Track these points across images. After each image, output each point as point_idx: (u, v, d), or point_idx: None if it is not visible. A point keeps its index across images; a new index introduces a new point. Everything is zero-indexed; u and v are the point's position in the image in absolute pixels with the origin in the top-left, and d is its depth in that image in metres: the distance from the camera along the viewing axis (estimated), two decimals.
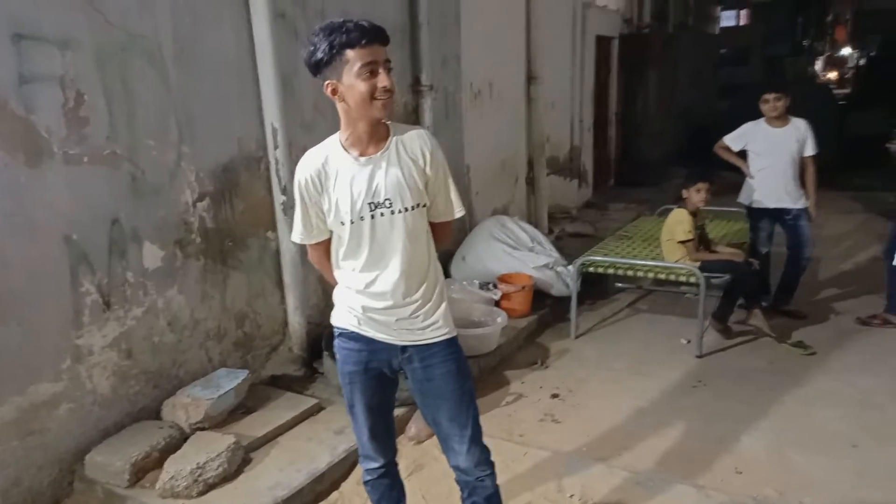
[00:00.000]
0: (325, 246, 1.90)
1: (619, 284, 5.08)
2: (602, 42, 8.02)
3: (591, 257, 4.32)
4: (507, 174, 5.80)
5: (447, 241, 2.00)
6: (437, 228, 1.90)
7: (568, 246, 5.52)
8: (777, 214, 4.35)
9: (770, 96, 4.19)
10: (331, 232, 1.85)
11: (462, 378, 1.92)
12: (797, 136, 4.23)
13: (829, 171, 6.03)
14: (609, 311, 4.69)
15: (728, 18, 13.80)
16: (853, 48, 23.84)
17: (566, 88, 7.12)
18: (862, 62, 22.55)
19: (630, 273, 4.26)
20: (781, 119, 4.23)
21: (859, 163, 8.90)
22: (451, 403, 1.91)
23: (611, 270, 4.29)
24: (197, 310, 3.04)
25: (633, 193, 8.07)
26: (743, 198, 4.49)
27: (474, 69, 5.04)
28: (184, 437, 2.71)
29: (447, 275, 4.54)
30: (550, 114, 6.46)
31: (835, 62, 28.95)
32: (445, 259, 4.45)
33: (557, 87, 6.77)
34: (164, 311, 2.90)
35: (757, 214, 4.43)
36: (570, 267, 4.35)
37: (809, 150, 4.25)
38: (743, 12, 14.89)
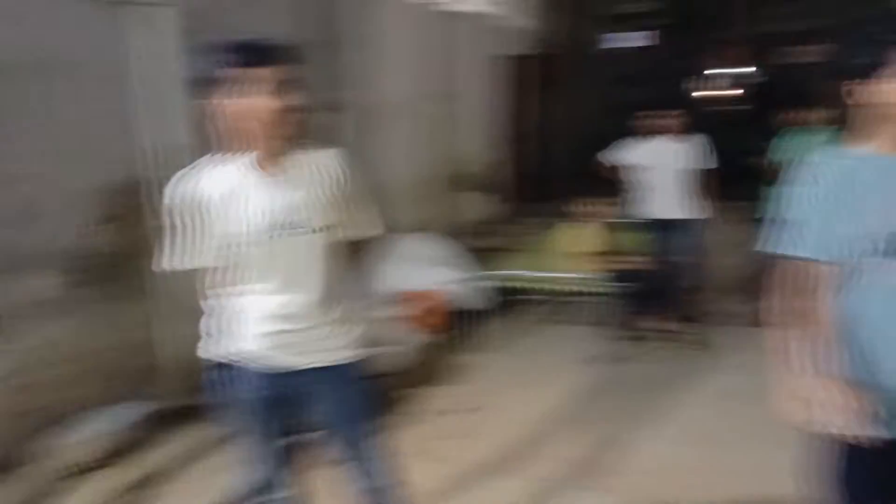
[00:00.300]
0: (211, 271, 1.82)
1: (535, 297, 5.19)
2: (518, 60, 8.27)
3: (507, 271, 4.40)
4: (424, 191, 5.85)
5: (361, 259, 1.99)
6: (351, 247, 1.89)
7: (484, 260, 5.59)
8: (675, 225, 4.58)
9: (664, 113, 4.42)
10: (216, 256, 1.76)
11: (370, 399, 1.91)
12: (692, 151, 4.47)
13: (730, 183, 6.37)
14: (524, 324, 4.79)
15: (635, 39, 14.38)
16: (748, 68, 25.41)
17: (484, 105, 7.27)
18: (756, 82, 24.08)
19: (544, 285, 4.36)
20: (678, 134, 4.46)
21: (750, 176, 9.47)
22: (358, 425, 1.89)
23: (526, 283, 4.38)
24: (84, 341, 2.88)
25: (549, 207, 8.25)
26: (640, 210, 4.70)
27: (391, 86, 5.06)
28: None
29: (359, 293, 4.51)
30: (468, 130, 6.57)
31: (730, 81, 30.68)
32: (359, 277, 4.43)
33: (475, 103, 6.91)
34: (47, 344, 2.73)
35: (655, 226, 4.64)
36: (486, 281, 4.42)
37: (707, 164, 4.50)
38: (649, 34, 15.61)
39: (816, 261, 1.56)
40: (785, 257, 1.60)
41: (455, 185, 6.20)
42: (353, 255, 1.91)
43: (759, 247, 1.66)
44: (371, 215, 1.90)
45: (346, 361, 1.85)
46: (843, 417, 1.48)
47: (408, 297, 4.33)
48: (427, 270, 4.58)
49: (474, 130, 7.18)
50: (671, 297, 4.71)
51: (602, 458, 3.01)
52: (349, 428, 1.89)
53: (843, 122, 1.64)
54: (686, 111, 4.51)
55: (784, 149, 4.55)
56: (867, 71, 1.47)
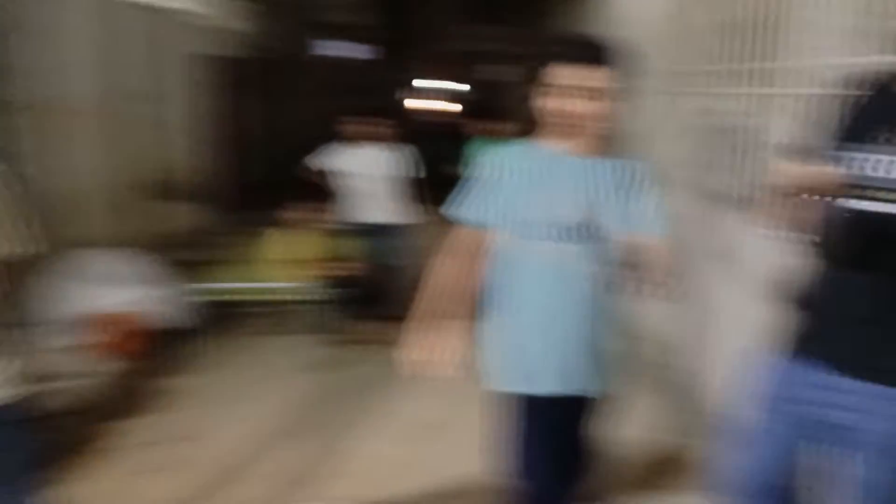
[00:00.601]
0: None
1: (249, 309, 4.98)
2: (233, 63, 7.88)
3: (219, 284, 4.17)
4: (121, 200, 5.26)
5: (24, 281, 1.70)
6: (9, 268, 1.60)
7: (193, 274, 5.22)
8: (384, 230, 4.77)
9: (369, 121, 4.58)
10: None
11: (35, 447, 1.64)
12: (399, 159, 4.69)
13: (436, 190, 6.81)
14: (239, 339, 4.57)
15: (345, 49, 14.69)
16: (454, 83, 27.60)
17: (193, 109, 6.77)
18: (461, 96, 26.27)
19: (259, 296, 4.23)
20: (386, 142, 4.65)
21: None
22: (17, 480, 1.61)
23: (239, 296, 4.19)
24: None
25: (264, 215, 8.03)
26: (349, 215, 4.80)
27: (77, 83, 4.45)
28: None
29: (22, 321, 3.90)
30: (174, 135, 6.07)
31: (435, 94, 33.08)
32: (21, 302, 3.82)
33: (183, 107, 6.40)
34: None
35: (366, 231, 4.79)
36: (193, 297, 4.12)
37: (413, 172, 4.73)
38: (357, 45, 16.04)
39: (485, 227, 1.83)
40: (460, 223, 1.86)
41: (159, 193, 5.70)
42: (12, 276, 1.63)
43: (445, 210, 1.87)
44: (29, 230, 1.63)
45: (4, 402, 1.57)
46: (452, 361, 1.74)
47: (96, 321, 3.86)
48: (120, 290, 4.12)
49: (181, 135, 6.69)
50: (385, 301, 4.91)
51: (322, 466, 2.99)
52: (5, 486, 1.60)
53: (529, 133, 1.87)
54: (395, 121, 4.73)
55: (474, 157, 4.96)
56: (534, 84, 1.72)
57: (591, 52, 1.66)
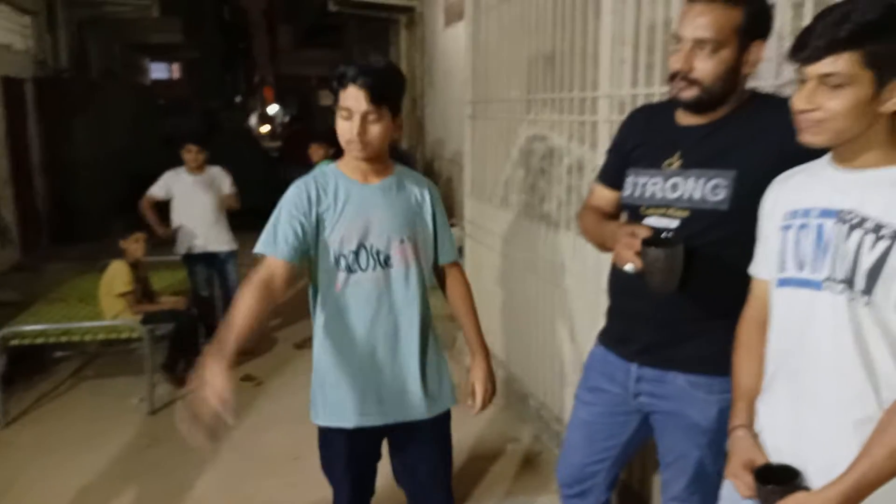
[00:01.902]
0: None
1: (60, 353, 4.54)
2: (11, 84, 7.13)
3: (17, 328, 3.75)
4: None
5: None
6: None
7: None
8: (209, 259, 4.58)
9: (192, 147, 4.42)
10: None
11: None
12: (215, 182, 4.57)
13: (264, 216, 6.63)
14: (49, 386, 4.14)
15: (159, 70, 14.00)
16: (279, 106, 27.25)
17: None
18: (286, 119, 25.97)
19: (70, 338, 3.86)
20: (200, 168, 4.52)
21: None
22: None
23: (45, 339, 3.80)
24: None
25: (71, 250, 7.41)
26: (179, 247, 4.58)
27: None
28: None
29: None
30: None
31: (266, 118, 32.51)
32: None
33: None
34: None
35: (191, 260, 4.59)
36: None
37: (233, 196, 4.61)
38: (174, 66, 15.31)
39: (291, 260, 1.71)
40: (267, 255, 1.73)
41: None
42: None
43: (256, 249, 1.76)
44: None
45: None
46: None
47: None
48: None
49: None
50: (211, 332, 4.71)
51: None
52: None
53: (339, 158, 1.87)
54: (214, 144, 4.60)
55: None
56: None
57: (365, 74, 1.65)
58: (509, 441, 3.29)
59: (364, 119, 1.66)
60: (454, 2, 5.42)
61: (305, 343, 4.79)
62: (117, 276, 3.86)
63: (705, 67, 1.44)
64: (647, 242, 1.44)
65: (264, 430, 3.53)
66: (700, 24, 1.43)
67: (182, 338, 4.02)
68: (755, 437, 1.33)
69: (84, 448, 3.36)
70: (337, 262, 1.74)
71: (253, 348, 4.72)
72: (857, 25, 1.06)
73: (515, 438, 3.31)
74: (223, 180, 4.61)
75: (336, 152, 4.96)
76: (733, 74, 1.45)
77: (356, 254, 1.73)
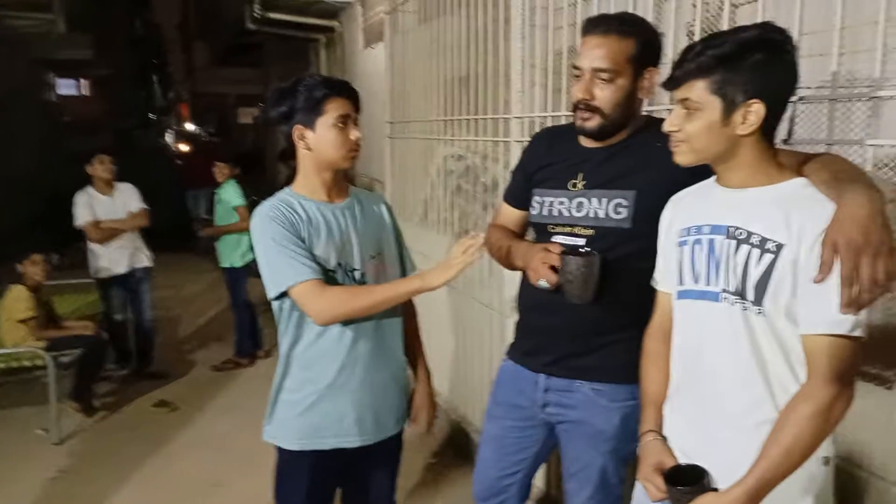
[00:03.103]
0: None
1: None
2: None
3: None
4: None
5: None
6: None
7: None
8: (125, 280, 4.43)
9: (105, 157, 4.32)
10: None
11: None
12: (128, 198, 4.44)
13: (175, 234, 6.48)
14: None
15: (68, 87, 13.41)
16: (196, 124, 26.48)
17: None
18: (205, 137, 25.26)
19: None
20: (109, 184, 4.38)
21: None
22: None
23: None
24: None
25: None
26: (91, 270, 4.40)
27: None
28: None
29: None
30: None
31: (184, 136, 31.52)
32: None
33: None
34: None
35: (107, 283, 4.41)
36: None
37: (138, 206, 4.46)
38: (84, 82, 14.71)
39: (310, 279, 1.64)
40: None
41: None
42: None
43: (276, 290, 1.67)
44: None
45: None
46: None
47: None
48: None
49: None
50: (124, 356, 4.56)
51: None
52: None
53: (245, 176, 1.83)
54: (126, 162, 4.49)
55: (219, 200, 4.78)
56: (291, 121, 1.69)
57: (348, 86, 1.71)
58: (433, 455, 3.31)
59: (356, 124, 1.71)
60: (373, 23, 5.48)
61: (223, 366, 4.68)
62: (16, 301, 3.67)
63: (604, 95, 1.54)
64: (564, 254, 1.51)
65: (180, 457, 3.42)
66: (597, 56, 1.53)
67: (90, 364, 3.84)
68: (664, 440, 1.40)
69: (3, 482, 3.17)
70: None
71: (167, 372, 4.61)
72: (708, 58, 1.20)
73: (440, 453, 3.34)
74: (132, 196, 4.46)
75: (241, 172, 4.92)
76: (630, 100, 1.56)
77: (334, 273, 1.70)
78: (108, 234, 4.31)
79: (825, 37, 1.52)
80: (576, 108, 1.59)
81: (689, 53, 1.23)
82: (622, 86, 1.53)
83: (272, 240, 1.65)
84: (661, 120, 1.68)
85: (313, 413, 1.74)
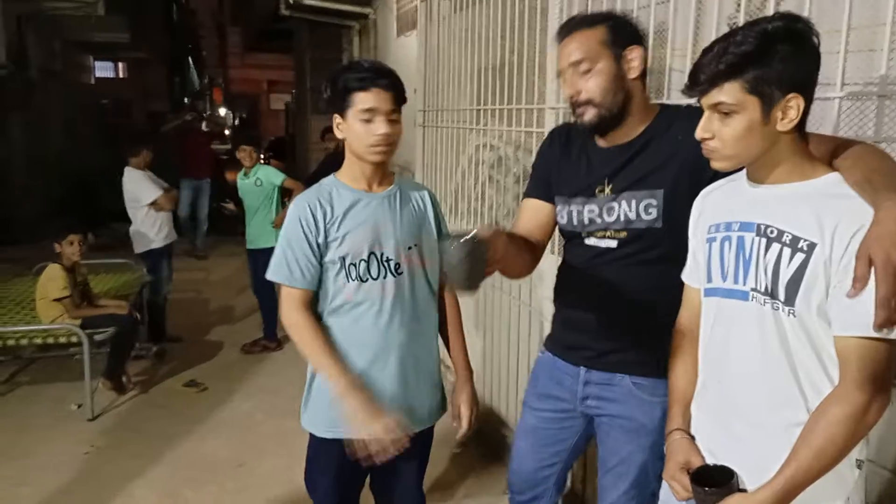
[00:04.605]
0: None
1: (4, 356, 4.38)
2: None
3: None
4: None
5: None
6: None
7: None
8: (168, 252, 4.77)
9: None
10: None
11: None
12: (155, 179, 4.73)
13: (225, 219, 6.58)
14: None
15: (104, 69, 13.60)
16: (228, 109, 26.76)
17: None
18: (237, 122, 25.53)
19: (4, 343, 3.73)
20: (149, 167, 4.72)
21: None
22: None
23: None
24: None
25: (5, 253, 7.16)
26: (143, 243, 4.61)
27: None
28: None
29: None
30: None
31: (216, 120, 31.86)
32: None
33: None
34: None
35: (156, 255, 4.65)
36: None
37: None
38: (121, 65, 14.91)
39: (299, 288, 1.72)
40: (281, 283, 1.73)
41: None
42: None
43: (278, 279, 1.73)
44: None
45: None
46: None
47: None
48: None
49: None
50: (156, 334, 4.71)
51: None
52: None
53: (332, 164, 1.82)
54: (160, 145, 4.66)
55: (240, 186, 4.82)
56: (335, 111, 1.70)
57: (386, 78, 1.66)
58: (458, 446, 3.32)
59: (389, 119, 1.66)
60: (407, 10, 5.46)
61: (253, 347, 4.74)
62: (52, 280, 3.75)
63: (589, 85, 1.53)
64: (446, 238, 1.38)
65: (207, 437, 3.48)
66: (569, 52, 1.54)
67: (123, 343, 3.92)
68: (691, 439, 1.38)
69: (10, 456, 3.25)
70: (348, 271, 1.71)
71: (180, 336, 4.89)
72: (734, 56, 1.15)
73: (464, 443, 3.35)
74: (157, 179, 4.76)
75: (270, 157, 5.00)
76: (620, 83, 1.53)
77: (367, 262, 1.70)
78: (175, 202, 4.83)
79: (870, 32, 1.48)
80: (573, 108, 1.58)
81: (708, 55, 1.18)
82: (604, 70, 1.52)
83: (286, 236, 1.72)
84: (677, 107, 1.65)
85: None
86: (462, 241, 1.32)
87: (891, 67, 1.45)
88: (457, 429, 1.88)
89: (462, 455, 3.23)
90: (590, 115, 1.55)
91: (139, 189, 4.57)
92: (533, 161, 1.85)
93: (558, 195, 1.71)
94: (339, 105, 1.68)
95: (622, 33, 1.53)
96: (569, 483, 2.67)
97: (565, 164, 1.71)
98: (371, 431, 1.60)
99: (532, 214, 1.77)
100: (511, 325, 3.07)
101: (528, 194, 1.84)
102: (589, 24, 1.54)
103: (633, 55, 1.53)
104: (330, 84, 1.70)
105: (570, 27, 1.56)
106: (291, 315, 1.71)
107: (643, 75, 1.56)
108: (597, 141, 1.64)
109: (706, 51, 1.21)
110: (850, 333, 1.13)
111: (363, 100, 1.64)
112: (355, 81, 1.65)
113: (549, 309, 1.86)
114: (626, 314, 1.60)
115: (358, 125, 1.66)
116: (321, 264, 1.72)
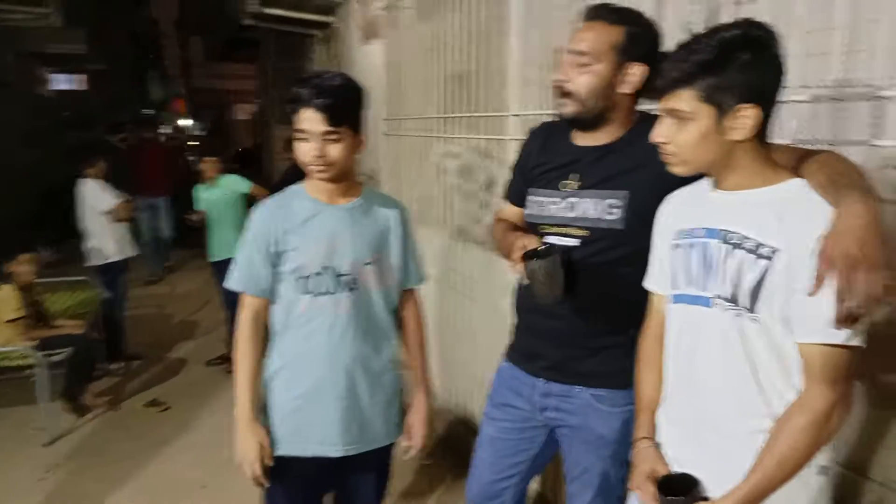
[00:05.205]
0: None
1: None
2: None
3: None
4: None
5: None
6: None
7: None
8: (123, 267, 4.67)
9: (94, 157, 4.58)
10: None
11: None
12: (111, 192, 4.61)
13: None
14: None
15: (63, 82, 13.29)
16: (193, 119, 26.39)
17: None
18: (202, 132, 25.19)
19: None
20: (102, 177, 4.63)
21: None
22: None
23: None
24: None
25: None
26: (101, 256, 4.51)
27: None
28: None
29: None
30: None
31: (179, 131, 31.42)
32: None
33: None
34: None
35: (111, 269, 4.55)
36: None
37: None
38: (79, 77, 14.61)
39: (254, 296, 1.71)
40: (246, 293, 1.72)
41: None
42: None
43: (233, 286, 1.73)
44: None
45: None
46: None
47: None
48: None
49: None
50: (115, 353, 4.58)
51: None
52: None
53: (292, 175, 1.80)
54: (109, 155, 4.65)
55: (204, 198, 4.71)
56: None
57: (322, 97, 1.59)
58: (427, 457, 3.27)
59: (323, 140, 1.61)
60: (371, 19, 5.43)
61: (216, 362, 4.63)
62: (4, 301, 3.62)
63: (580, 80, 1.51)
64: (527, 255, 1.48)
65: (170, 458, 3.38)
66: (580, 38, 1.51)
67: (81, 363, 3.80)
68: (658, 447, 1.37)
69: None
70: (301, 285, 1.67)
71: (141, 353, 4.76)
72: (692, 65, 1.14)
73: (433, 453, 3.30)
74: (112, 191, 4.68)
75: (239, 168, 4.92)
76: (608, 91, 1.51)
77: (321, 276, 1.67)
78: (131, 212, 4.71)
79: (827, 35, 1.49)
80: (556, 91, 1.57)
81: (671, 61, 1.18)
82: (599, 73, 1.50)
83: (244, 243, 1.72)
84: (656, 118, 1.65)
85: (297, 417, 1.71)
86: (544, 260, 1.46)
87: (846, 70, 1.46)
88: (408, 446, 1.86)
89: (432, 466, 3.19)
90: (568, 107, 1.55)
91: (96, 198, 4.49)
92: (512, 162, 1.84)
93: (531, 187, 1.70)
94: (291, 119, 1.66)
95: (636, 45, 1.50)
96: (537, 488, 2.65)
97: (543, 157, 1.69)
98: (241, 462, 1.67)
99: (509, 216, 1.81)
100: (479, 331, 3.04)
101: (505, 196, 1.85)
102: (613, 19, 1.50)
103: (634, 71, 1.51)
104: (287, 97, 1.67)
105: (595, 13, 1.52)
106: (243, 327, 1.71)
107: (637, 91, 1.54)
108: (575, 137, 1.63)
109: (668, 56, 1.20)
110: (812, 340, 1.12)
111: (298, 119, 1.62)
112: (291, 101, 1.62)
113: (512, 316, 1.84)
114: (584, 320, 1.59)
115: (297, 144, 1.64)
116: (277, 273, 1.69)
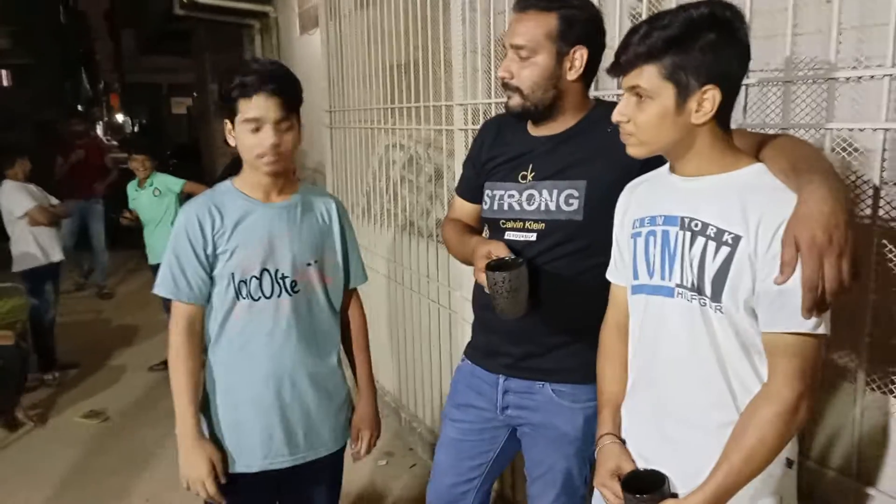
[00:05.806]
0: None
1: None
2: None
3: None
4: None
5: None
6: None
7: None
8: (53, 271, 4.46)
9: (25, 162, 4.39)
10: None
11: None
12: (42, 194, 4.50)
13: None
14: None
15: None
16: (126, 115, 25.51)
17: None
18: (136, 128, 24.40)
19: None
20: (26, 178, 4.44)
21: None
22: None
23: None
24: None
25: None
26: (26, 261, 4.27)
27: None
28: None
29: None
30: None
31: (113, 127, 30.34)
32: None
33: None
34: None
35: (38, 274, 4.31)
36: None
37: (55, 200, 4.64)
38: (4, 73, 13.91)
39: (186, 302, 1.58)
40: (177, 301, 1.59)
41: None
42: None
43: (162, 293, 1.59)
44: None
45: None
46: None
47: None
48: None
49: None
50: (47, 362, 4.36)
51: None
52: None
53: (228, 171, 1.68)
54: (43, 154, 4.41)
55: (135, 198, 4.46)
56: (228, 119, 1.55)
57: (272, 82, 1.50)
58: (382, 456, 3.20)
59: (277, 129, 1.51)
60: (309, 8, 5.28)
61: (157, 367, 4.44)
62: None
63: (522, 74, 1.47)
64: (490, 267, 1.43)
65: (112, 472, 3.21)
66: (516, 32, 1.46)
67: (10, 375, 3.58)
68: (622, 443, 1.33)
69: None
70: (238, 289, 1.56)
71: (76, 362, 4.56)
72: (656, 40, 1.10)
73: (389, 452, 3.24)
74: (44, 193, 4.52)
75: (174, 164, 4.72)
76: (553, 81, 1.47)
77: (260, 280, 1.56)
78: (52, 216, 4.42)
79: (776, 17, 1.46)
80: (503, 86, 1.52)
81: (633, 36, 1.13)
82: (541, 64, 1.45)
83: (172, 246, 1.58)
84: (613, 104, 1.60)
85: (239, 433, 1.61)
86: (509, 273, 1.40)
87: (794, 53, 1.44)
88: (354, 452, 1.79)
89: (388, 467, 3.12)
90: (515, 101, 1.50)
91: (11, 201, 4.27)
92: (459, 154, 1.78)
93: (487, 181, 1.64)
94: (228, 112, 1.54)
95: (573, 28, 1.44)
96: (497, 487, 2.61)
97: (496, 150, 1.64)
98: (191, 483, 1.57)
99: (461, 212, 1.76)
100: (432, 329, 2.97)
101: (457, 192, 1.79)
102: (544, 6, 1.44)
103: (577, 55, 1.45)
104: (218, 88, 1.56)
105: (525, 3, 1.47)
106: (176, 338, 1.58)
107: (585, 76, 1.49)
108: (528, 128, 1.58)
109: (632, 31, 1.15)
110: (778, 329, 1.09)
111: (247, 108, 1.49)
112: (238, 88, 1.49)
113: (470, 312, 1.78)
114: (544, 315, 1.53)
115: (245, 135, 1.52)
116: (211, 277, 1.58)
